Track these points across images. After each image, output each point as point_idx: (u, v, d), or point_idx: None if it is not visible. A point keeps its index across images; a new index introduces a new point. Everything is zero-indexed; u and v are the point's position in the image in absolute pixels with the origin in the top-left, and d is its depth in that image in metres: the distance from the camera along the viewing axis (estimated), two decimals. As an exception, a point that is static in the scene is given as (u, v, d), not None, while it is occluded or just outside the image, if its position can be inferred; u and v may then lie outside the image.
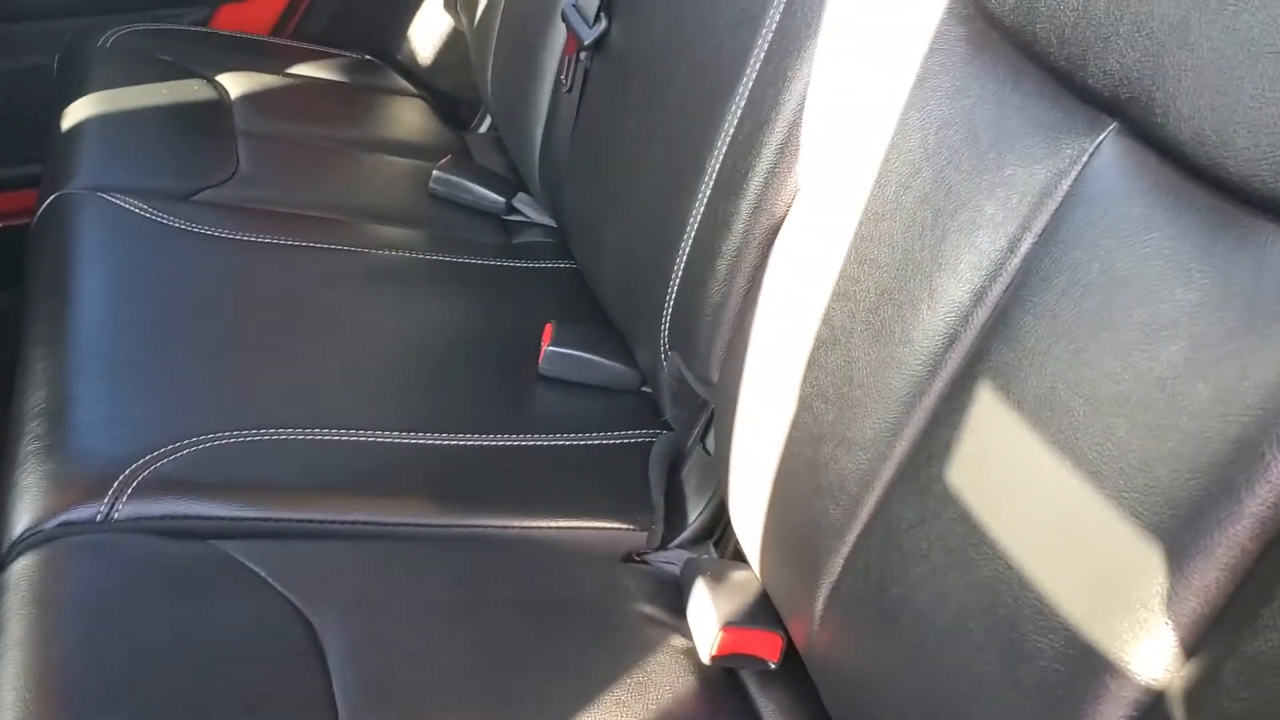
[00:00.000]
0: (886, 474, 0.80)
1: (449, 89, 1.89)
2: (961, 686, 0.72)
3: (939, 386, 0.77)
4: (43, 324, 1.15)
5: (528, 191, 1.57)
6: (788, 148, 0.95)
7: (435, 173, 1.55)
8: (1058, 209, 0.72)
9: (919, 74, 0.83)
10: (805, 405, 0.88)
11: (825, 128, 0.92)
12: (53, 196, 1.34)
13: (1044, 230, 0.73)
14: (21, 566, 0.88)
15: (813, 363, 0.88)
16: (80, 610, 0.86)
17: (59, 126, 1.50)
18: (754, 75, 0.99)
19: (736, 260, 0.99)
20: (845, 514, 0.83)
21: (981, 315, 0.75)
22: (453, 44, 1.89)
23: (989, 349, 0.74)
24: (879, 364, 0.81)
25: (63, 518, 0.93)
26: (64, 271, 1.21)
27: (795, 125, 0.95)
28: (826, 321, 0.87)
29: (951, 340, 0.77)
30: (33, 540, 0.91)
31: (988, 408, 0.73)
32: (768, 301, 0.95)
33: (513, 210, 1.56)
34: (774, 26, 0.98)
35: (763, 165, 0.97)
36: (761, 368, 0.95)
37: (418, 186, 1.56)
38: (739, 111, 1.00)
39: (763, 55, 0.99)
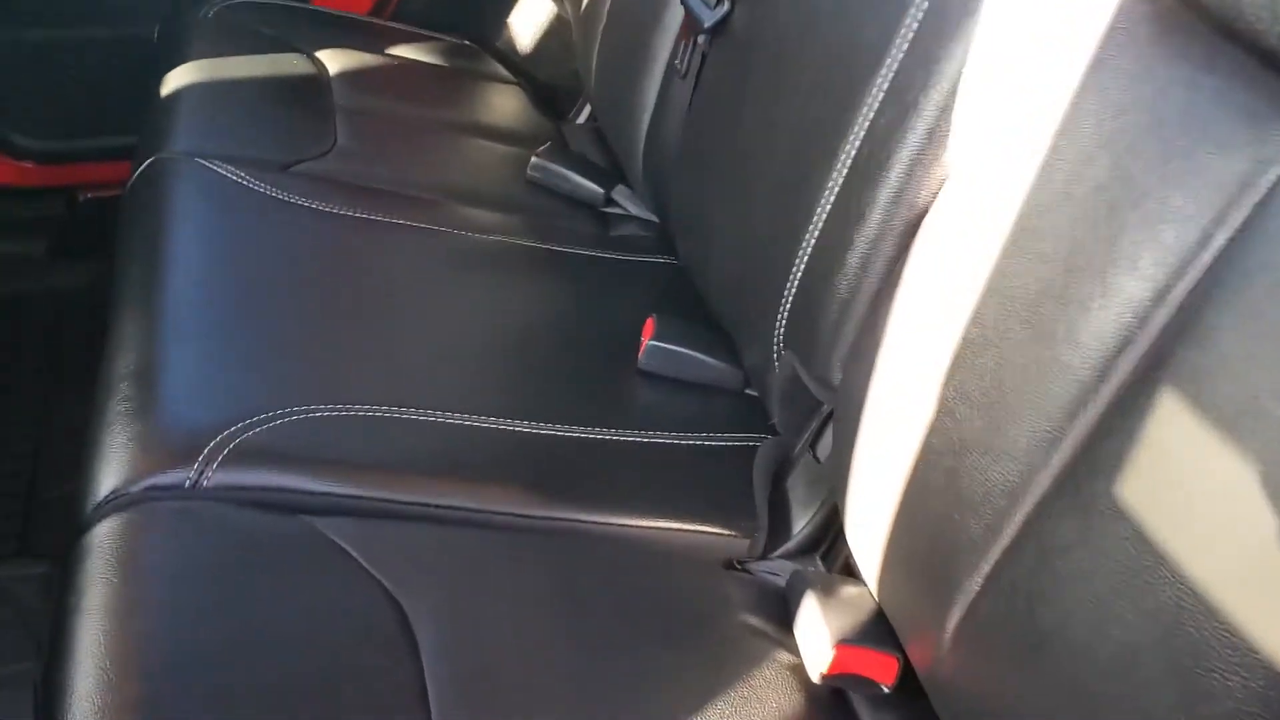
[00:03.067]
0: (1040, 487, 0.73)
1: (547, 78, 1.85)
2: (1124, 725, 0.65)
3: (1108, 393, 0.70)
4: (134, 286, 1.11)
5: (627, 184, 1.52)
6: (936, 134, 0.89)
7: (534, 159, 1.51)
8: (1261, 200, 0.65)
9: (1096, 55, 0.76)
10: (946, 410, 0.81)
11: (983, 113, 0.86)
12: (149, 160, 1.31)
13: (1244, 224, 0.66)
14: (106, 529, 0.83)
15: (957, 364, 0.81)
16: (164, 580, 0.81)
17: (158, 92, 1.47)
18: (899, 58, 0.93)
19: (871, 253, 0.93)
20: (988, 529, 0.76)
21: (1163, 315, 0.68)
22: (554, 32, 1.85)
23: (1173, 352, 0.67)
24: (1037, 367, 0.75)
25: (150, 481, 0.88)
26: (158, 234, 1.17)
27: (946, 110, 0.88)
28: (976, 320, 0.80)
29: (1126, 342, 0.70)
30: (119, 503, 0.86)
31: (1170, 417, 0.66)
32: (905, 298, 0.89)
33: (610, 202, 1.51)
34: (925, 6, 0.92)
35: (906, 152, 0.90)
36: (894, 369, 0.89)
37: (514, 172, 1.52)
38: (880, 96, 0.94)
39: (910, 36, 0.92)
